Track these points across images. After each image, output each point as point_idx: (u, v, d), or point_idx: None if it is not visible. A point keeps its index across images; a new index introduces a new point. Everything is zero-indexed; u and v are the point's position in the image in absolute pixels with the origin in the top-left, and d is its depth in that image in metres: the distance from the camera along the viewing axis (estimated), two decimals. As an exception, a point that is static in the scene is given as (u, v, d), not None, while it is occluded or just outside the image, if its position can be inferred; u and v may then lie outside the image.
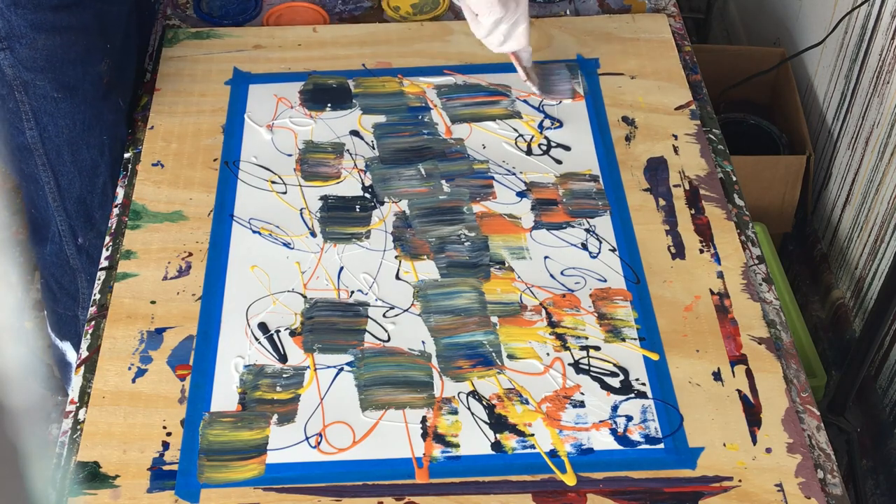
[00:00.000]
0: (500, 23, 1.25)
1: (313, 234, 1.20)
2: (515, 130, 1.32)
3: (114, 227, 1.22)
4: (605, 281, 1.15)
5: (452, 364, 1.07)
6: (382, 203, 1.24)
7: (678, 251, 1.18)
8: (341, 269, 1.17)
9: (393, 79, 1.39)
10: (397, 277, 1.16)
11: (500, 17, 1.23)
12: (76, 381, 1.07)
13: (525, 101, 1.36)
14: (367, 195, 1.25)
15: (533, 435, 1.01)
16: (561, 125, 1.33)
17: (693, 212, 1.22)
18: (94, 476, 0.98)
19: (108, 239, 1.20)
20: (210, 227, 1.20)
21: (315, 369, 1.07)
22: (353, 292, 1.14)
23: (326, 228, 1.21)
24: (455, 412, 1.03)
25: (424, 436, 1.01)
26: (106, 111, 1.29)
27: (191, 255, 1.18)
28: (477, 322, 1.11)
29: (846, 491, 0.99)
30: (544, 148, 1.30)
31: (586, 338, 1.09)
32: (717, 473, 0.98)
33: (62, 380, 1.63)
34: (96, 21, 1.24)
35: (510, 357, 1.08)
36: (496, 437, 1.01)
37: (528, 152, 1.30)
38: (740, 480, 0.98)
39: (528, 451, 1.00)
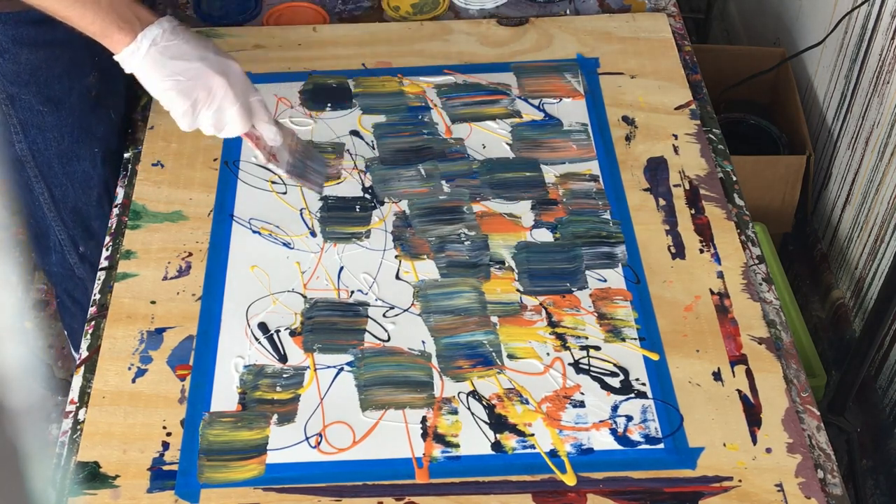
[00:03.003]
0: (197, 113, 1.06)
1: (313, 234, 1.20)
2: (515, 130, 1.32)
3: (114, 227, 1.22)
4: (605, 281, 1.15)
5: (452, 364, 1.07)
6: (382, 203, 1.24)
7: (678, 251, 1.18)
8: (341, 268, 1.17)
9: (393, 78, 1.39)
10: (397, 277, 1.16)
11: (185, 108, 1.05)
12: (76, 381, 1.07)
13: (525, 100, 1.36)
14: (367, 195, 1.25)
15: (533, 435, 1.01)
16: (561, 125, 1.33)
17: (693, 212, 1.22)
18: (94, 476, 0.98)
19: (108, 239, 1.20)
20: (210, 227, 1.20)
21: (315, 369, 1.07)
22: (353, 292, 1.14)
23: (326, 228, 1.21)
24: (455, 412, 1.03)
25: (424, 436, 1.01)
26: (95, 124, 1.28)
27: (191, 255, 1.18)
28: (477, 322, 1.11)
29: (846, 491, 0.98)
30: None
31: (586, 338, 1.09)
32: (717, 473, 0.98)
33: None
34: (81, 34, 1.14)
35: (510, 357, 1.08)
36: (496, 437, 1.01)
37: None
38: (740, 480, 0.97)
39: (528, 451, 1.00)
